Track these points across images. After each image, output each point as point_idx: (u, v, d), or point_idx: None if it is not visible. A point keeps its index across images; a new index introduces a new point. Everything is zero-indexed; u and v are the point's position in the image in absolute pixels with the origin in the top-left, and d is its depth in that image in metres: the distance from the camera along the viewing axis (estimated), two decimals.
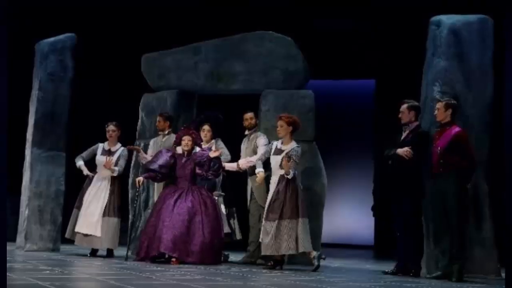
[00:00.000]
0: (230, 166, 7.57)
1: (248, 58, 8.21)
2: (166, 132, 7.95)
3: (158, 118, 8.02)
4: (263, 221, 6.77)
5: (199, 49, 8.48)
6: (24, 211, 8.30)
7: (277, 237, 6.56)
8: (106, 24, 12.11)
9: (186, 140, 7.23)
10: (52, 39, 8.67)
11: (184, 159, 7.21)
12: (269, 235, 6.59)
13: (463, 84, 6.77)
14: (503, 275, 5.38)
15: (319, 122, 8.08)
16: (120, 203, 7.74)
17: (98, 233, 7.52)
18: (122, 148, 7.91)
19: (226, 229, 7.39)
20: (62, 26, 9.51)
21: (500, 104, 5.02)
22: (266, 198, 6.90)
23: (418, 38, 7.60)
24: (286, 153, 6.76)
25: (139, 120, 8.72)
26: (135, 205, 7.77)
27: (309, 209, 7.06)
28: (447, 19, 6.92)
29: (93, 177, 7.81)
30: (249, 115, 7.66)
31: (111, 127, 7.90)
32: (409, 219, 6.49)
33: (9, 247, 7.98)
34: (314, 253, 6.62)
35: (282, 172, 6.70)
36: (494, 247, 6.61)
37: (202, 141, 7.49)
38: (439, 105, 6.45)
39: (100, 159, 7.81)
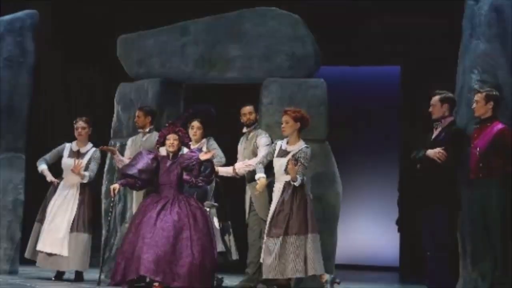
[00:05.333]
0: (224, 171, 7.57)
1: (247, 40, 8.20)
2: (147, 129, 7.94)
3: (137, 113, 8.00)
4: (265, 238, 6.78)
5: (187, 29, 8.47)
6: None
7: (282, 257, 6.56)
8: None
9: (172, 139, 7.22)
10: (8, 16, 8.66)
11: (168, 163, 7.20)
12: (272, 255, 6.60)
13: (507, 72, 6.76)
14: None
15: (332, 117, 8.07)
16: (91, 216, 7.74)
17: (64, 252, 7.53)
18: (94, 149, 7.91)
19: (220, 247, 7.39)
20: (21, 1, 9.50)
21: None
22: (268, 209, 6.90)
23: (453, 16, 7.60)
24: (293, 155, 6.76)
25: (115, 115, 8.71)
26: (109, 218, 7.76)
27: (321, 223, 7.05)
28: None
29: (58, 183, 7.81)
30: (247, 109, 7.66)
31: (80, 124, 7.90)
32: (441, 235, 6.49)
33: None
34: (327, 276, 6.62)
35: (288, 178, 6.70)
36: None
37: (190, 140, 7.48)
38: (478, 96, 6.45)
39: (67, 162, 7.81)
